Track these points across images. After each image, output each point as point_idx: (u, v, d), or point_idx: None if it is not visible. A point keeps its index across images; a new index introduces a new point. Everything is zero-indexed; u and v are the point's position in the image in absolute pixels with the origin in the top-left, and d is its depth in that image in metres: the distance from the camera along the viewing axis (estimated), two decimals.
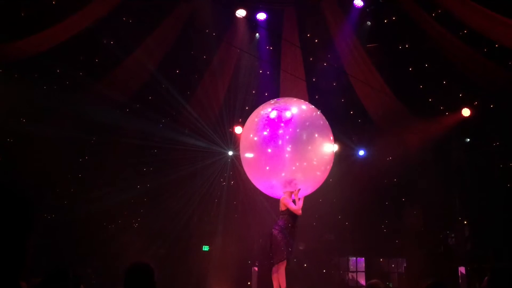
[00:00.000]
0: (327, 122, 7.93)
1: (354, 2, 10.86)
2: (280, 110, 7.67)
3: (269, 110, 7.71)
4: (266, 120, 7.62)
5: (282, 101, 8.10)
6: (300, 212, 7.29)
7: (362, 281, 12.47)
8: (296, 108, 7.76)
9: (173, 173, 11.85)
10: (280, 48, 11.44)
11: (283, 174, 7.44)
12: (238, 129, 11.44)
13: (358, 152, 12.26)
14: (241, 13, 10.92)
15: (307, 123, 7.70)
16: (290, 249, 7.31)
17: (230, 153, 12.11)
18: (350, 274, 12.90)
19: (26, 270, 1.50)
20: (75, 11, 9.84)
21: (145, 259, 3.10)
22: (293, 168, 7.48)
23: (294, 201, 7.38)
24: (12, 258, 1.46)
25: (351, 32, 11.01)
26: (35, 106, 10.36)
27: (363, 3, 10.90)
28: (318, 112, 8.07)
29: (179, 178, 11.83)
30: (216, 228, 12.13)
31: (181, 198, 12.02)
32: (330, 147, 7.86)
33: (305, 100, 10.54)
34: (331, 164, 7.93)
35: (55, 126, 10.50)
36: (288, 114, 7.56)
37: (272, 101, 8.13)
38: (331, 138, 7.88)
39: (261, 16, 11.39)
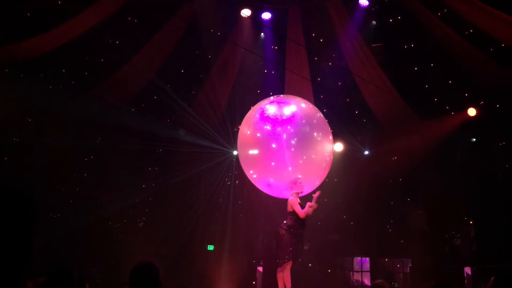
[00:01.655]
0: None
1: (359, 1, 10.83)
2: (280, 104, 7.78)
3: (267, 106, 7.80)
4: (266, 116, 7.70)
5: (282, 97, 8.25)
6: (303, 215, 7.28)
7: (367, 281, 12.43)
8: (296, 106, 7.85)
9: (179, 173, 11.86)
10: (285, 48, 11.42)
11: (290, 168, 7.50)
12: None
13: (363, 151, 12.24)
14: (246, 12, 10.92)
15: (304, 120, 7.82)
16: (296, 250, 7.29)
17: (235, 152, 12.10)
18: (355, 274, 12.86)
19: (31, 270, 1.51)
20: (81, 11, 9.87)
21: (150, 258, 3.11)
22: (300, 161, 7.55)
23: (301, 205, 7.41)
24: (17, 258, 1.46)
25: (356, 32, 10.98)
26: (40, 106, 10.40)
27: (368, 2, 10.88)
28: (319, 114, 8.18)
29: (184, 178, 11.83)
30: (221, 227, 12.13)
31: (186, 197, 12.03)
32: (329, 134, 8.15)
33: (310, 99, 10.62)
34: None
35: (60, 126, 10.54)
36: (287, 112, 7.65)
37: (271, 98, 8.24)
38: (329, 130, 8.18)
39: (266, 15, 11.39)
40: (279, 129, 7.55)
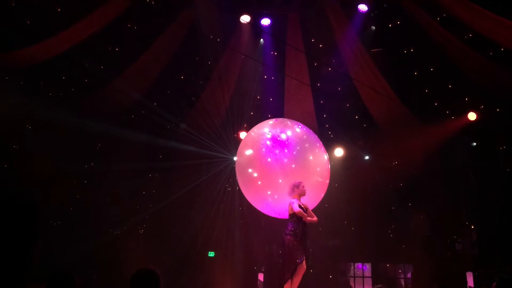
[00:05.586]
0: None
1: (358, 7, 10.85)
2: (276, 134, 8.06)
3: (267, 135, 8.07)
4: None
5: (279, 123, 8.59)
6: (301, 215, 7.29)
7: (368, 287, 12.38)
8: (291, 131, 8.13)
9: (179, 180, 11.84)
10: (284, 54, 11.44)
11: (293, 166, 7.65)
12: (243, 135, 11.42)
13: (363, 156, 12.23)
14: (245, 18, 10.94)
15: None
16: (303, 251, 7.28)
17: (235, 158, 12.07)
18: (356, 280, 12.80)
19: (32, 276, 1.50)
20: (79, 19, 9.89)
21: (151, 265, 3.09)
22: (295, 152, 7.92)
23: (302, 208, 7.42)
24: (18, 264, 1.45)
25: (356, 37, 11.00)
26: (40, 113, 10.39)
27: (367, 7, 10.90)
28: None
29: (185, 184, 11.81)
30: (222, 234, 12.09)
31: (187, 204, 11.99)
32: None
33: (309, 105, 10.68)
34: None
35: (60, 132, 10.54)
36: (283, 136, 7.88)
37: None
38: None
39: (265, 21, 11.39)
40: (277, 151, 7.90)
